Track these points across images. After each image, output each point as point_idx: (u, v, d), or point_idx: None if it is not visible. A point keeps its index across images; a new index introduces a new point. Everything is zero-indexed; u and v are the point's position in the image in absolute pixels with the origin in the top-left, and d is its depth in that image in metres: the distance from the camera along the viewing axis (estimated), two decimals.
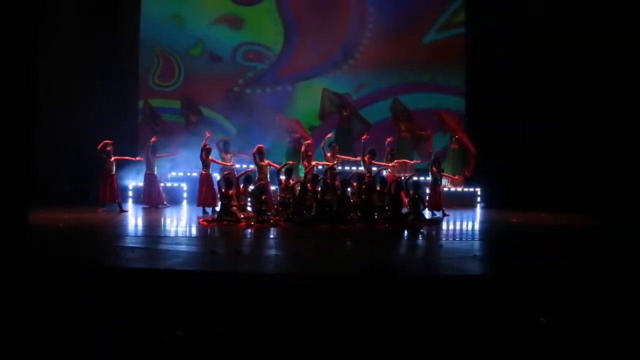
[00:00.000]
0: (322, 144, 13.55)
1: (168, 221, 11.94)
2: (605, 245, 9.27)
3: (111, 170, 13.09)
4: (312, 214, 11.16)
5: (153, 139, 13.67)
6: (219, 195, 11.71)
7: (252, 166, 12.55)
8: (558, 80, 14.62)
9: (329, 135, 14.10)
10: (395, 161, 13.85)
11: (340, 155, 13.78)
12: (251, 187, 11.54)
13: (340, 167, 13.81)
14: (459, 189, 14.87)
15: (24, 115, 8.52)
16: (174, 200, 14.24)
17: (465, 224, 12.50)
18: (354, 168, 14.15)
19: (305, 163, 12.83)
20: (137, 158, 13.82)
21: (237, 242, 9.48)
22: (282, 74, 16.36)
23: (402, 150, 14.74)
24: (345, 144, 14.63)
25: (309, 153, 13.06)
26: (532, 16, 14.59)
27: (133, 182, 14.21)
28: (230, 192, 11.28)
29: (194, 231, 10.77)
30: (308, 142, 13.58)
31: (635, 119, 13.94)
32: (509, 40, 14.55)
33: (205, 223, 11.18)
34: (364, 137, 13.62)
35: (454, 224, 12.21)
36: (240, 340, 5.67)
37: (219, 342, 5.64)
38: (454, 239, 10.46)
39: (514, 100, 14.51)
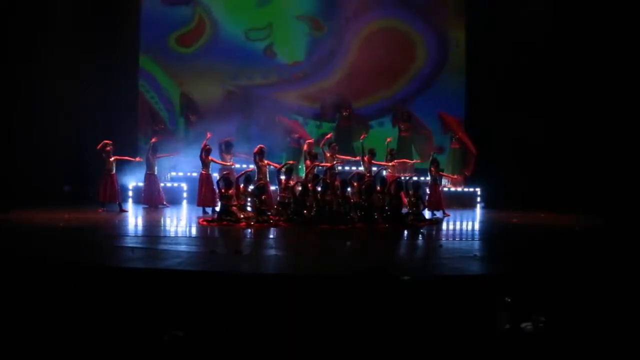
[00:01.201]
0: (321, 144, 13.55)
1: (168, 221, 11.93)
2: (605, 245, 9.27)
3: (111, 170, 13.09)
4: (312, 214, 11.16)
5: (153, 139, 13.67)
6: (218, 195, 11.71)
7: (251, 166, 12.55)
8: (558, 80, 14.62)
9: (329, 135, 14.09)
10: (395, 161, 13.85)
11: (340, 155, 13.78)
12: (251, 187, 11.53)
13: (340, 167, 13.81)
14: (459, 189, 14.88)
15: None
16: (174, 200, 14.23)
17: (465, 224, 12.50)
18: (354, 168, 14.15)
19: (308, 162, 12.82)
20: (137, 159, 13.81)
21: (237, 242, 9.47)
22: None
23: (402, 150, 14.74)
24: (345, 144, 14.63)
25: (313, 151, 13.05)
26: (532, 17, 14.58)
27: (133, 182, 14.22)
28: (230, 192, 11.28)
29: (194, 231, 10.77)
30: (310, 141, 13.60)
31: (635, 120, 13.95)
32: (509, 40, 14.54)
33: (205, 223, 11.17)
34: (363, 136, 13.68)
35: (454, 224, 12.20)
36: (240, 340, 5.66)
37: (219, 342, 5.64)
38: (454, 239, 10.45)
39: (514, 100, 14.51)
